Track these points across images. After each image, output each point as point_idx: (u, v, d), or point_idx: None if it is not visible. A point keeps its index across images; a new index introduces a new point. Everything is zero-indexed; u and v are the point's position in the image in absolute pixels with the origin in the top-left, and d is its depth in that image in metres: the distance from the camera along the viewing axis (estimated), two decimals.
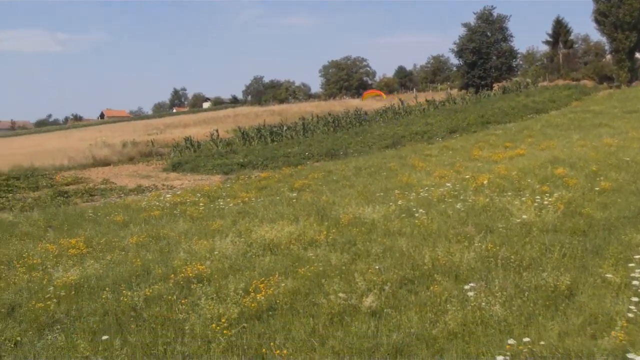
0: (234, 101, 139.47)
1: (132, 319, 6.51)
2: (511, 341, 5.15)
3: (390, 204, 11.79)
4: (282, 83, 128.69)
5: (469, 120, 33.84)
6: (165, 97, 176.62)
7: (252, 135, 36.99)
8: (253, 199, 15.03)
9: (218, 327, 5.90)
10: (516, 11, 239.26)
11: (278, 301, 6.63)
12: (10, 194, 21.28)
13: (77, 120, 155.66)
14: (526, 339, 5.14)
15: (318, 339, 5.70)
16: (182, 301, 6.78)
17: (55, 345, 5.95)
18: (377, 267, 7.59)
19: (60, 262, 9.11)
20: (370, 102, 68.22)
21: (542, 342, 5.17)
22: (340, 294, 6.55)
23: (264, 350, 5.49)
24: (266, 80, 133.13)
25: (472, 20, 72.32)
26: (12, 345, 6.10)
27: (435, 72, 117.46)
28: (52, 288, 7.55)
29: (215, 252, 8.89)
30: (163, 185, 22.17)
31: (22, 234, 11.97)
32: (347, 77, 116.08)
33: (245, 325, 6.09)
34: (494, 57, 70.13)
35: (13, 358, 5.87)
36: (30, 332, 6.36)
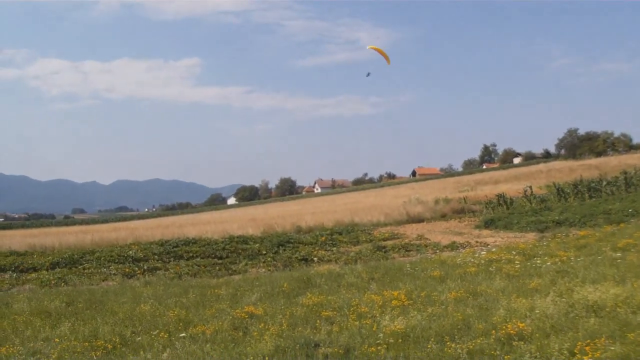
0: (546, 155, 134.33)
1: None
2: None
3: None
4: (599, 134, 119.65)
5: None
6: (475, 154, 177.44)
7: (568, 191, 35.48)
8: (572, 258, 14.38)
9: None
10: None
11: None
12: (335, 247, 23.85)
13: (390, 178, 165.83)
14: None
15: None
16: (505, 357, 6.88)
17: None
18: None
19: (385, 311, 9.85)
20: None
21: None
22: None
23: None
24: (581, 132, 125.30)
25: None
26: None
27: None
28: (381, 335, 8.24)
29: (536, 311, 8.76)
30: (476, 242, 22.45)
31: (348, 284, 13.27)
32: None
33: None
34: None
35: None
36: None
